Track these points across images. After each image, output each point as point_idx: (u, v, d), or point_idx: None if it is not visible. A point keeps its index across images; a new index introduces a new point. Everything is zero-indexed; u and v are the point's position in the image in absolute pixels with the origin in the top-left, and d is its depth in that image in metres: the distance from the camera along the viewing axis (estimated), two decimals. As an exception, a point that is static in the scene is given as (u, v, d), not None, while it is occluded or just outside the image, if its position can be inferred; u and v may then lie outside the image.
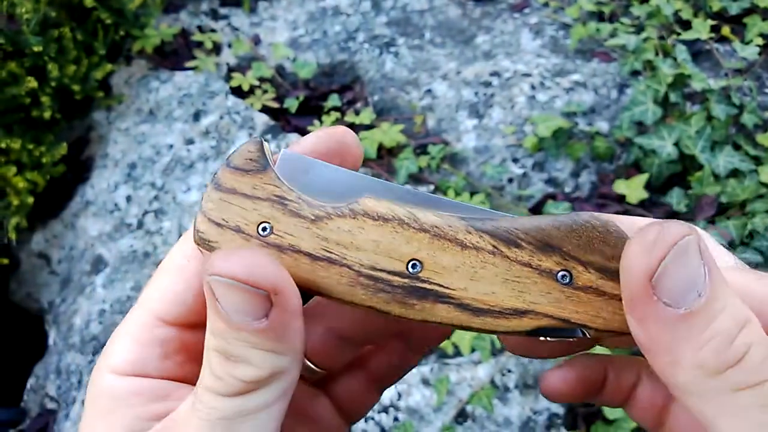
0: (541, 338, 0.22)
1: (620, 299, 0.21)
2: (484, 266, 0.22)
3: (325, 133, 0.26)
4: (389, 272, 0.22)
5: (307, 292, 0.23)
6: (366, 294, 0.22)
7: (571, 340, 0.23)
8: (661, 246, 0.20)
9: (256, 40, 1.46)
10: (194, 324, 0.26)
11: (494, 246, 0.22)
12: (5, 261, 1.24)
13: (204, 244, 0.24)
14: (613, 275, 0.22)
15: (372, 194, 0.23)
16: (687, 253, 0.19)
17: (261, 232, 0.23)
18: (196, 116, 1.32)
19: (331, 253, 0.23)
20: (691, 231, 0.20)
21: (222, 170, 0.24)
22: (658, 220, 0.21)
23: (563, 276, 0.22)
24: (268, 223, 0.23)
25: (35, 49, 1.16)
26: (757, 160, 1.13)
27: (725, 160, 1.11)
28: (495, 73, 1.30)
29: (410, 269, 0.22)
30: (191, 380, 0.26)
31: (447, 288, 0.22)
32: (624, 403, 0.29)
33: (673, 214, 1.11)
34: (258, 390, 0.22)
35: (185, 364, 0.26)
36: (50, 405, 1.17)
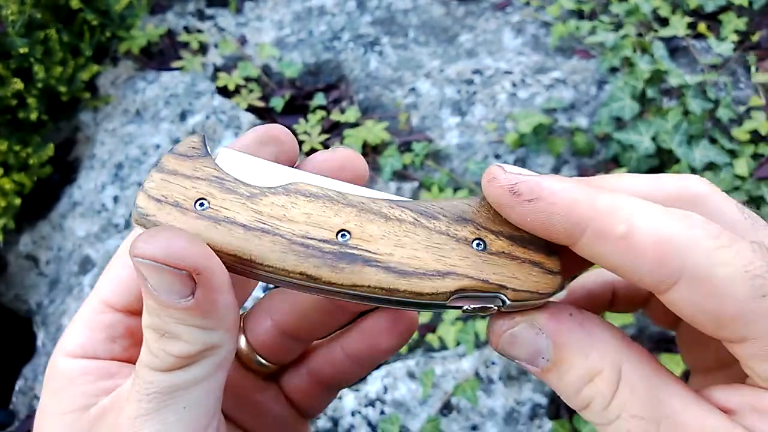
0: (464, 309, 0.24)
1: (531, 263, 0.25)
2: (407, 235, 0.24)
3: (262, 129, 0.28)
4: (320, 240, 0.24)
5: (238, 266, 0.24)
6: (297, 260, 0.23)
7: (491, 309, 0.24)
8: (492, 334, 0.25)
9: (243, 40, 1.47)
10: (139, 311, 0.28)
11: (415, 218, 0.24)
12: (-7, 262, 1.25)
13: (142, 219, 0.24)
14: (523, 242, 0.25)
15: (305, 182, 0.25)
16: (516, 338, 0.24)
17: (198, 207, 0.24)
18: (183, 116, 1.33)
19: (264, 224, 0.24)
20: (519, 320, 0.24)
21: (165, 156, 0.25)
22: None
23: (478, 243, 0.24)
24: (206, 199, 0.24)
25: (21, 50, 1.16)
26: (733, 153, 1.15)
27: (701, 153, 1.14)
28: (477, 71, 1.32)
29: (339, 238, 0.24)
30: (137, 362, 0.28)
31: (374, 253, 0.24)
32: (640, 308, 0.31)
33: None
34: (191, 365, 0.24)
35: (131, 348, 0.28)
36: (40, 405, 1.17)
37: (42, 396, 0.27)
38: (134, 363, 0.27)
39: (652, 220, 0.22)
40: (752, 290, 0.21)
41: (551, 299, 0.25)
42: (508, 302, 0.24)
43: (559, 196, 0.23)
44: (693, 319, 0.23)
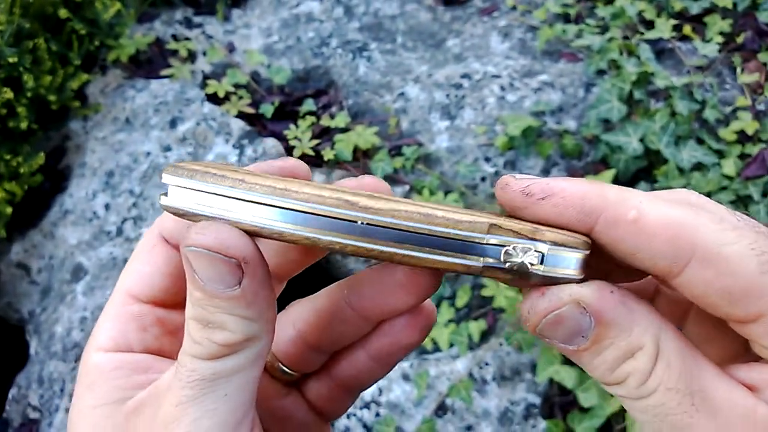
0: (503, 260, 0.24)
1: (558, 227, 0.25)
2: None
3: (278, 164, 0.29)
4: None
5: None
6: (333, 190, 0.24)
7: (530, 268, 0.24)
8: (533, 316, 0.24)
9: (231, 48, 1.47)
10: (164, 303, 0.29)
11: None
12: (-16, 272, 1.24)
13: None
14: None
15: None
16: (562, 318, 0.24)
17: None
18: (173, 123, 1.33)
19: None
20: (566, 300, 0.24)
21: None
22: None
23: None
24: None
25: (10, 59, 1.16)
26: (720, 154, 1.17)
27: (689, 154, 1.15)
28: (465, 75, 1.33)
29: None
30: (170, 354, 0.29)
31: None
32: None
33: (640, 208, 1.15)
34: (233, 354, 0.25)
35: (162, 337, 0.29)
36: (33, 414, 1.17)
37: (75, 392, 0.27)
38: (166, 354, 0.28)
39: (660, 206, 0.24)
40: (759, 266, 0.23)
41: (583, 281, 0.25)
42: (546, 253, 0.24)
43: (569, 191, 0.25)
44: (706, 300, 0.24)
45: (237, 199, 0.24)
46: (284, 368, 0.31)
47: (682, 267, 0.23)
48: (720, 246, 0.23)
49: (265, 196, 0.24)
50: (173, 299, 0.29)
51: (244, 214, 0.24)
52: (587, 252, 0.25)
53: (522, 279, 0.24)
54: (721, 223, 0.24)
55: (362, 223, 0.24)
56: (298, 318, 0.30)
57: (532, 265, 0.24)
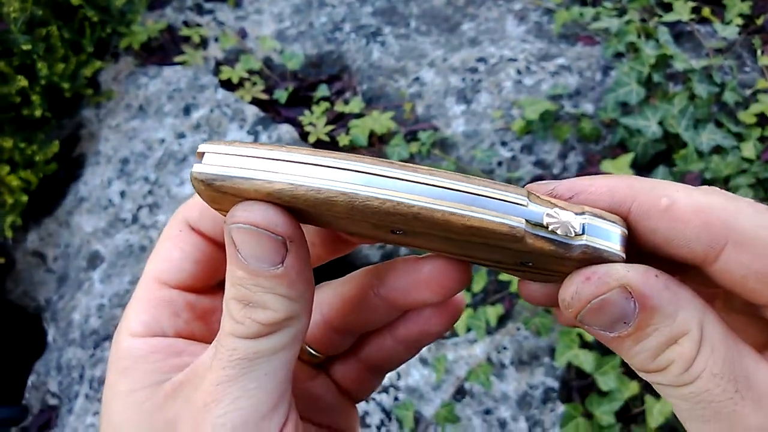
0: (547, 224, 0.24)
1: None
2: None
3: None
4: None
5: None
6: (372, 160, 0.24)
7: (572, 235, 0.24)
8: (577, 302, 0.24)
9: (243, 34, 1.46)
10: (193, 288, 0.29)
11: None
12: (1, 260, 1.25)
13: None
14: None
15: None
16: (607, 304, 0.23)
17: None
18: (187, 110, 1.33)
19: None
20: (612, 284, 0.23)
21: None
22: (590, 268, 0.24)
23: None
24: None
25: (24, 47, 1.16)
26: (739, 137, 1.16)
27: (708, 137, 1.14)
28: (481, 59, 1.32)
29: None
30: (201, 338, 0.29)
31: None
32: None
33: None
34: (274, 333, 0.25)
35: (193, 321, 0.29)
36: (52, 401, 1.17)
37: (108, 377, 0.27)
38: (197, 338, 0.28)
39: (691, 193, 0.24)
40: None
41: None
42: (587, 222, 0.23)
43: (596, 185, 0.25)
44: (745, 285, 0.23)
45: (276, 159, 0.24)
46: (312, 351, 0.31)
47: (718, 251, 0.23)
48: (756, 228, 0.23)
49: (304, 156, 0.24)
50: (201, 285, 0.29)
51: (284, 173, 0.23)
52: (626, 230, 0.24)
53: (563, 250, 0.23)
54: (754, 207, 0.23)
55: (402, 180, 0.23)
56: (325, 302, 0.30)
57: (574, 231, 0.23)
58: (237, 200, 0.24)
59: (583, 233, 0.23)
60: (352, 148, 1.23)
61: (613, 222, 0.24)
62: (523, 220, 0.23)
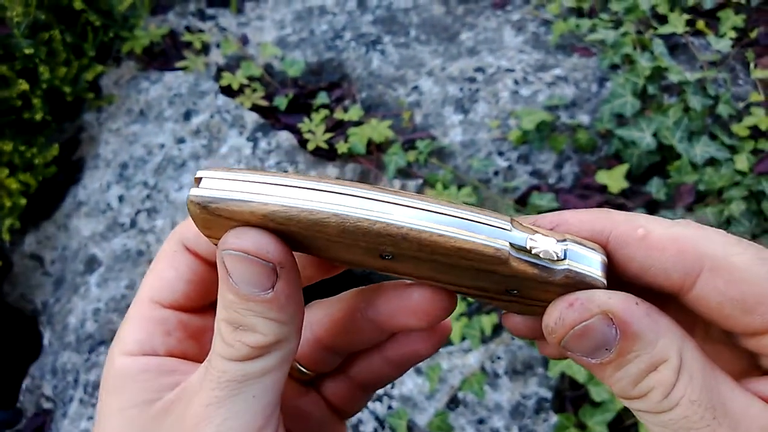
0: (530, 248, 0.24)
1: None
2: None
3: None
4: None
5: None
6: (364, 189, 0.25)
7: (553, 259, 0.24)
8: (560, 327, 0.24)
9: (244, 40, 1.47)
10: (186, 308, 0.29)
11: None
12: (-1, 262, 1.25)
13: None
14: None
15: None
16: (589, 330, 0.24)
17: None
18: (187, 115, 1.34)
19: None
20: (595, 311, 0.24)
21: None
22: (576, 294, 0.25)
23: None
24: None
25: (26, 51, 1.17)
26: (733, 149, 1.17)
27: (702, 149, 1.15)
28: (479, 69, 1.33)
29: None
30: (192, 357, 0.29)
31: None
32: None
33: (653, 203, 1.15)
34: (263, 356, 0.25)
35: (185, 341, 0.29)
36: (46, 405, 1.18)
37: (101, 395, 0.28)
38: (189, 357, 0.29)
39: (666, 223, 0.25)
40: None
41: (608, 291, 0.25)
42: (568, 248, 0.24)
43: (577, 216, 0.26)
44: (721, 312, 0.24)
45: (271, 184, 0.24)
46: (302, 368, 0.32)
47: (694, 278, 0.24)
48: (728, 255, 0.24)
49: (298, 181, 0.24)
50: (194, 304, 0.30)
51: (278, 196, 0.24)
52: (605, 258, 0.25)
53: (546, 274, 0.24)
54: (726, 237, 0.24)
55: (391, 203, 0.24)
56: (315, 321, 0.31)
57: (557, 255, 0.24)
58: (230, 226, 0.25)
59: (565, 258, 0.24)
60: (351, 156, 1.24)
61: (593, 249, 0.25)
62: (508, 243, 0.24)
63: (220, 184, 0.25)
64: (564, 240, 0.25)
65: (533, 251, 0.24)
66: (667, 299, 0.25)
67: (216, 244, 0.26)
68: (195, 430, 0.25)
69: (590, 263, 0.25)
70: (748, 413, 0.23)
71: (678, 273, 0.24)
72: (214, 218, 0.25)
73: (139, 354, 0.28)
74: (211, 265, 0.29)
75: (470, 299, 1.09)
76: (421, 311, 0.28)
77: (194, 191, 0.25)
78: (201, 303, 0.30)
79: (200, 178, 0.25)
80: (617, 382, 0.24)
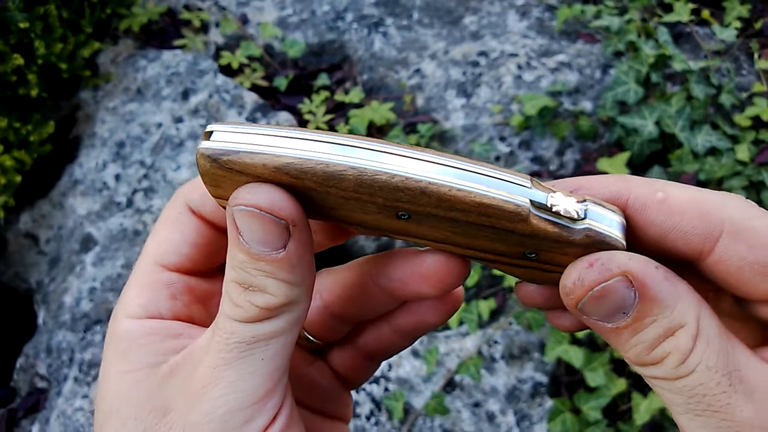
0: (551, 206, 0.24)
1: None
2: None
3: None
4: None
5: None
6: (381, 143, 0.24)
7: (573, 218, 0.24)
8: (579, 288, 0.24)
9: (244, 20, 1.46)
10: (192, 271, 0.29)
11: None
12: (-7, 240, 1.24)
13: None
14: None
15: None
16: (608, 291, 0.23)
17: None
18: (185, 95, 1.32)
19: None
20: (615, 272, 0.23)
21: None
22: (596, 254, 0.24)
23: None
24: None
25: (21, 26, 1.15)
26: (734, 139, 1.17)
27: (704, 138, 1.15)
28: (482, 53, 1.32)
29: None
30: (199, 321, 0.28)
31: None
32: None
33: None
34: (272, 318, 0.25)
35: (192, 305, 0.28)
36: (41, 384, 1.17)
37: (105, 359, 0.27)
38: (196, 322, 0.28)
39: (684, 188, 0.25)
40: None
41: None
42: (588, 208, 0.24)
43: (596, 180, 0.26)
44: (739, 277, 0.24)
45: (285, 137, 0.24)
46: (310, 336, 0.31)
47: (714, 242, 0.23)
48: (749, 219, 0.23)
49: (313, 134, 0.24)
50: (201, 268, 0.29)
51: (293, 148, 0.23)
52: (624, 220, 0.25)
53: (566, 233, 0.24)
54: (744, 201, 0.24)
55: (410, 158, 0.23)
56: (325, 289, 0.30)
57: (577, 214, 0.24)
58: (240, 184, 0.24)
59: (585, 217, 0.24)
60: (350, 139, 1.23)
61: (613, 210, 0.24)
62: (528, 200, 0.23)
63: (231, 137, 0.24)
64: (584, 201, 0.24)
65: (553, 209, 0.24)
66: (683, 269, 0.25)
67: (224, 207, 0.25)
68: (202, 393, 0.24)
69: (610, 223, 0.24)
70: (763, 380, 0.23)
71: (698, 237, 0.24)
72: (225, 173, 0.24)
73: (144, 317, 0.27)
74: (217, 228, 0.28)
75: (469, 282, 1.09)
76: (433, 277, 0.27)
77: (204, 144, 0.24)
78: (207, 267, 0.29)
79: (211, 132, 0.24)
80: (632, 347, 0.24)
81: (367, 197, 0.23)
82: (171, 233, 0.28)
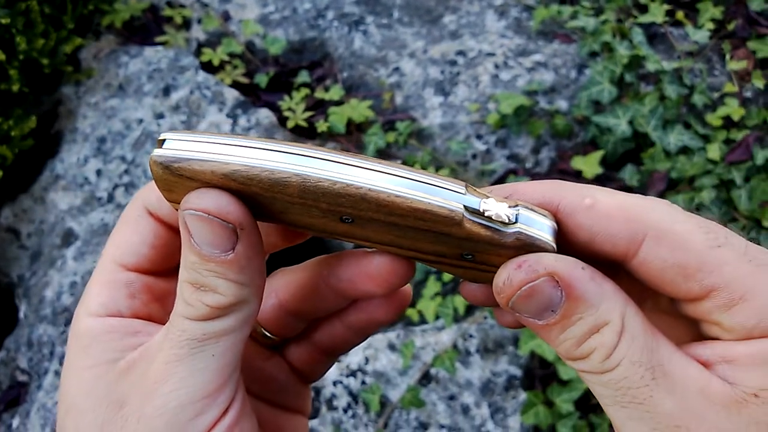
0: (483, 210, 0.25)
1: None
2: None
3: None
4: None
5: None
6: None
7: (504, 222, 0.25)
8: (509, 288, 0.25)
9: (226, 17, 1.46)
10: (150, 271, 0.30)
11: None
12: (-26, 234, 1.24)
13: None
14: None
15: None
16: (536, 291, 0.25)
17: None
18: (166, 91, 1.33)
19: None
20: (542, 272, 0.25)
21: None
22: (527, 256, 0.26)
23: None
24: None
25: (3, 21, 1.15)
26: (706, 138, 1.19)
27: (676, 137, 1.18)
28: (460, 53, 1.34)
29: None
30: (157, 319, 0.30)
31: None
32: None
33: (626, 189, 1.17)
34: (223, 316, 0.26)
35: (150, 303, 0.30)
36: (21, 377, 1.18)
37: (67, 355, 0.28)
38: (154, 319, 0.30)
39: (612, 194, 0.26)
40: (708, 241, 0.25)
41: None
42: (520, 213, 0.25)
43: (529, 186, 0.27)
44: (663, 278, 0.25)
45: (233, 145, 0.25)
46: (266, 333, 0.33)
47: (638, 245, 0.25)
48: (672, 223, 0.25)
49: (260, 142, 0.25)
50: (159, 268, 0.30)
51: (240, 156, 0.25)
52: (555, 224, 0.26)
53: (498, 236, 0.25)
54: (670, 206, 0.26)
55: (352, 166, 0.25)
56: (280, 287, 0.32)
57: (508, 219, 0.25)
58: (191, 189, 0.25)
59: (516, 222, 0.25)
60: (330, 136, 1.25)
61: (544, 215, 0.26)
62: (462, 206, 0.25)
63: (182, 145, 0.25)
64: (516, 206, 0.26)
65: (486, 214, 0.25)
66: (617, 271, 0.26)
67: (177, 209, 0.26)
68: (155, 387, 0.26)
69: (541, 227, 0.26)
70: (685, 375, 0.24)
71: (623, 240, 0.25)
72: (176, 179, 0.25)
73: (104, 315, 0.28)
74: (173, 229, 0.30)
75: (445, 277, 1.10)
76: (379, 277, 0.28)
77: (157, 152, 0.25)
78: (165, 267, 0.30)
79: (163, 140, 0.25)
80: (561, 343, 0.25)
81: (312, 202, 0.25)
82: (130, 235, 0.29)
